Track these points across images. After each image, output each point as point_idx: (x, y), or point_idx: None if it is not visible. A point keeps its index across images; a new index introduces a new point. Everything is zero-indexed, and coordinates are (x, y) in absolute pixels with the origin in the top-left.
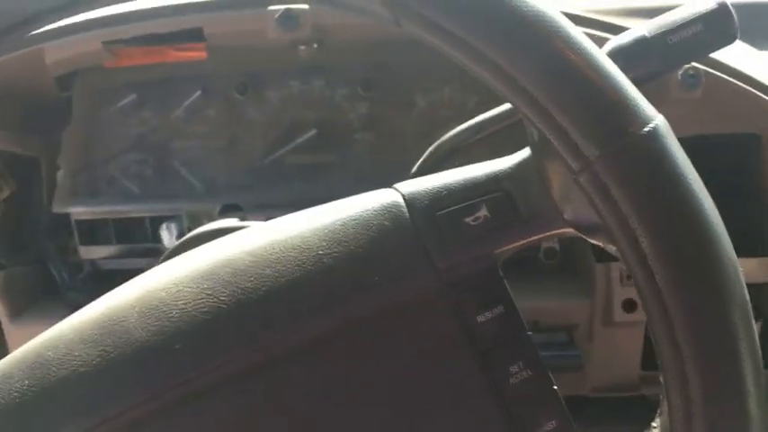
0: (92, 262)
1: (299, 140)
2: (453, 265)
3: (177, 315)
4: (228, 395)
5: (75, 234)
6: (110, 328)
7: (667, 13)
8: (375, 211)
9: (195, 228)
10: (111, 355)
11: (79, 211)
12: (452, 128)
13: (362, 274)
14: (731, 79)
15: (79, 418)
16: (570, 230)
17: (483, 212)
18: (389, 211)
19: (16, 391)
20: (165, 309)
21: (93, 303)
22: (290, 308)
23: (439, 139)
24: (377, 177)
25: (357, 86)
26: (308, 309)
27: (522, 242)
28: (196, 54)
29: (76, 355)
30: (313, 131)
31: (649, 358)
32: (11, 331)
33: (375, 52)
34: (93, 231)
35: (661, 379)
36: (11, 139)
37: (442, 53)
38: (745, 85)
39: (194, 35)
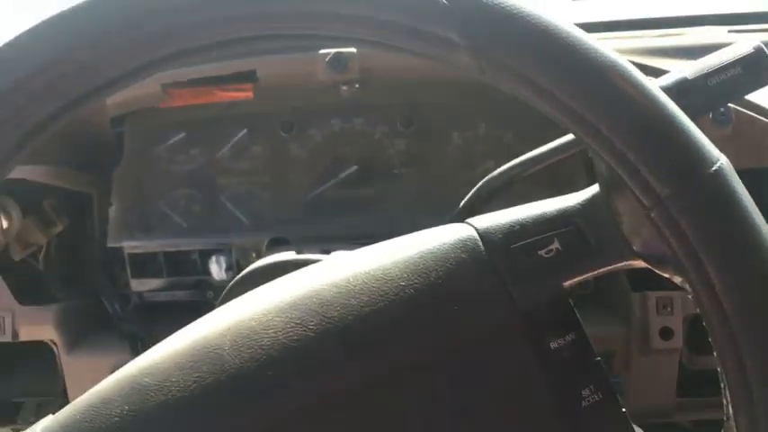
0: (139, 294)
1: (341, 176)
2: (527, 295)
3: (269, 343)
4: (317, 421)
5: (128, 267)
6: (204, 355)
7: (707, 57)
8: (452, 244)
9: (244, 261)
10: (207, 381)
11: (132, 246)
12: (488, 163)
13: (442, 304)
14: (759, 116)
15: None
16: (638, 262)
17: (555, 246)
18: (466, 245)
19: (116, 416)
20: (256, 337)
21: (182, 332)
22: (374, 337)
23: (475, 172)
24: (416, 211)
25: (396, 124)
26: (392, 338)
27: (591, 273)
28: (243, 94)
29: (173, 381)
30: (354, 167)
31: (684, 385)
32: (67, 363)
33: (413, 91)
34: (143, 265)
35: (724, 401)
36: (65, 175)
37: (521, 98)
38: (763, 118)
39: (245, 77)
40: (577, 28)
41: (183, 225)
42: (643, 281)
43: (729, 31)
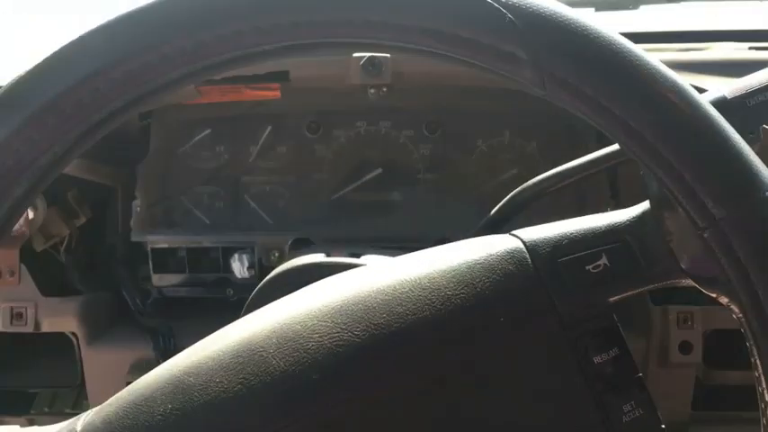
0: (159, 289)
1: (366, 178)
2: (573, 310)
3: (314, 347)
4: (361, 426)
5: (150, 262)
6: (249, 357)
7: (746, 77)
8: (499, 255)
9: (266, 260)
10: (252, 382)
11: (156, 240)
12: (512, 171)
13: (489, 315)
14: None
15: None
16: (685, 281)
17: (603, 261)
18: (513, 257)
19: (160, 415)
20: (301, 341)
21: (224, 332)
22: (420, 345)
23: (498, 180)
24: (438, 216)
25: (422, 128)
26: (438, 347)
27: (638, 290)
28: (270, 93)
29: (218, 381)
30: (379, 170)
31: (698, 399)
32: (87, 355)
33: (439, 97)
34: (165, 260)
35: (763, 420)
36: (89, 168)
37: (582, 116)
38: None
39: (277, 77)
40: (638, 47)
41: (206, 222)
42: (663, 295)
43: (750, 48)
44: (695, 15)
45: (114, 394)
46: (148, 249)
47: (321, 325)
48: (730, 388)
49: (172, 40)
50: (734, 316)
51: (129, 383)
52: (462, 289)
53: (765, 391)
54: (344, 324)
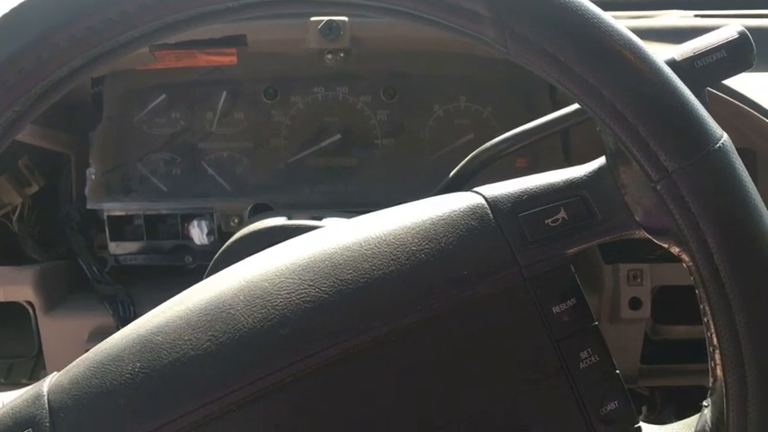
0: (115, 257)
1: (324, 144)
2: (533, 262)
3: (282, 303)
4: (331, 380)
5: (107, 230)
6: (217, 314)
7: (694, 40)
8: (462, 211)
9: (225, 226)
10: (221, 339)
11: (112, 208)
12: (468, 135)
13: (453, 268)
14: (728, 98)
15: (192, 397)
16: (639, 232)
17: (561, 215)
18: (475, 212)
19: (128, 373)
20: (269, 298)
21: (192, 292)
22: (387, 299)
23: (455, 145)
24: (395, 181)
25: (380, 94)
26: (403, 300)
27: (595, 242)
28: (226, 59)
29: (186, 339)
30: (337, 136)
31: (646, 353)
32: (44, 324)
33: (397, 62)
34: (122, 227)
35: (711, 364)
36: (42, 135)
37: (541, 74)
38: (740, 104)
39: (234, 41)
40: (596, 7)
41: (163, 189)
42: (613, 253)
43: (696, 15)
44: None
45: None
46: (104, 217)
47: (289, 282)
48: (676, 342)
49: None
50: (684, 265)
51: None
52: (426, 244)
53: (713, 335)
54: (312, 280)
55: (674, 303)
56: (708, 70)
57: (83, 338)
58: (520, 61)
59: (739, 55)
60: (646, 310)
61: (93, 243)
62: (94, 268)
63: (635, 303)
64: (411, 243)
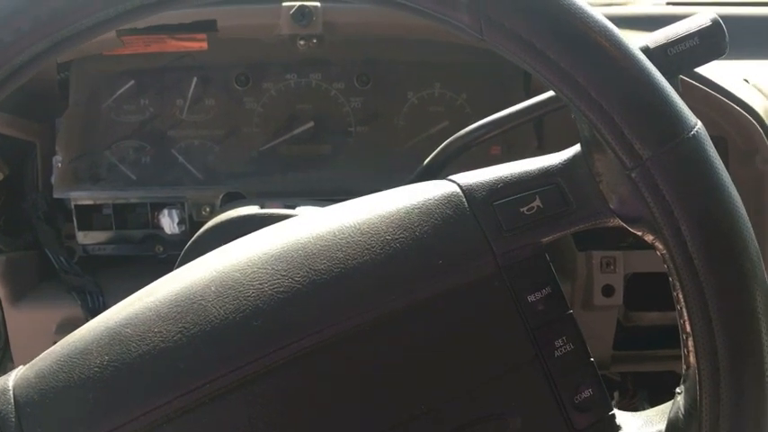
0: (84, 247)
1: (297, 131)
2: (509, 251)
3: (254, 294)
4: (305, 371)
5: (75, 219)
6: (188, 306)
7: (667, 28)
8: (436, 200)
9: (197, 215)
10: (192, 331)
11: (80, 197)
12: (442, 123)
13: (427, 258)
14: (700, 86)
15: (163, 390)
16: (613, 221)
17: (536, 203)
18: (450, 201)
19: (96, 367)
20: (241, 288)
21: (162, 282)
22: (361, 289)
23: (429, 132)
24: (369, 169)
25: (353, 81)
26: (378, 290)
27: (570, 230)
28: (196, 44)
29: (156, 331)
30: (310, 123)
31: (618, 339)
32: (11, 316)
33: (371, 49)
34: (90, 217)
35: (684, 351)
36: (6, 122)
37: (516, 61)
38: (712, 92)
39: (205, 26)
40: None
41: (133, 177)
42: (587, 241)
43: (668, 3)
44: None
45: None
46: (72, 206)
47: (261, 272)
48: (647, 328)
49: None
50: (657, 253)
51: (56, 343)
52: (401, 233)
53: (686, 323)
54: (285, 270)
55: (646, 290)
56: (681, 58)
57: (51, 330)
58: (495, 48)
59: (712, 42)
60: (618, 297)
61: (61, 233)
62: (62, 258)
63: (608, 290)
64: (385, 232)
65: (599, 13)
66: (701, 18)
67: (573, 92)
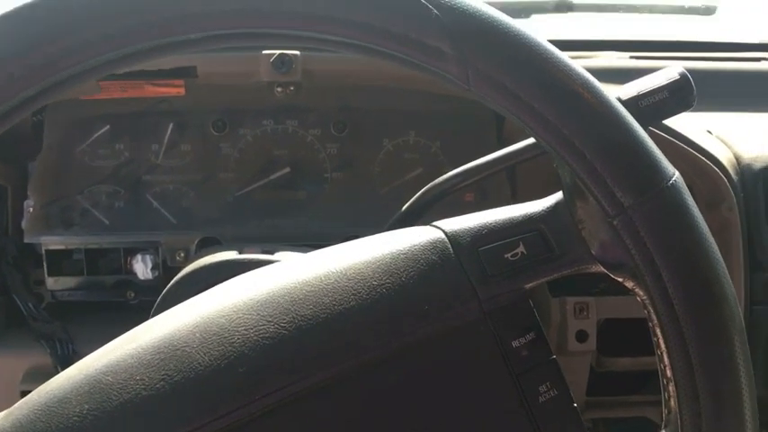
0: (53, 293)
1: (273, 177)
2: (493, 296)
3: (239, 340)
4: (290, 417)
5: (45, 264)
6: (171, 353)
7: (638, 81)
8: (422, 246)
9: (171, 260)
10: (175, 378)
11: (51, 241)
12: (417, 170)
13: (414, 303)
14: (667, 136)
15: None
16: (595, 267)
17: (521, 249)
18: (435, 247)
19: (75, 416)
20: (226, 335)
21: (143, 329)
22: (348, 335)
23: (404, 179)
24: (344, 215)
25: (330, 127)
26: (365, 335)
27: (552, 276)
28: (174, 90)
29: (138, 379)
30: (287, 169)
31: (593, 385)
32: None
33: (348, 97)
34: (60, 262)
35: (665, 395)
36: None
37: (501, 111)
38: (679, 142)
39: (184, 72)
40: (553, 47)
41: (105, 222)
42: (560, 287)
43: (631, 57)
44: (582, 26)
45: (7, 404)
46: (42, 251)
47: (246, 318)
48: (620, 374)
49: (96, 24)
50: (638, 299)
51: (23, 393)
52: (387, 278)
53: (667, 368)
54: (270, 316)
55: (618, 336)
56: (651, 110)
57: (17, 379)
58: (481, 98)
59: (681, 96)
60: (592, 343)
61: (30, 278)
62: (30, 305)
63: (581, 336)
64: (371, 278)
65: (580, 67)
66: (670, 72)
67: (557, 141)
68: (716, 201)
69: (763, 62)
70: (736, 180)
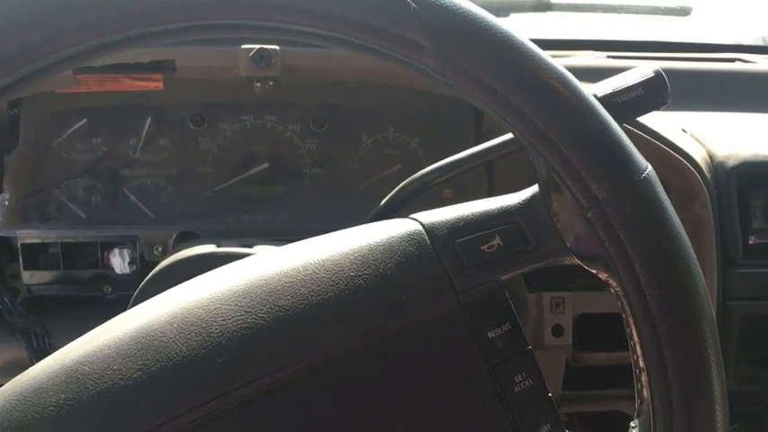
0: (29, 287)
1: (251, 172)
2: (470, 288)
3: (217, 331)
4: (267, 408)
5: (21, 258)
6: (148, 343)
7: (614, 78)
8: (400, 237)
9: (149, 255)
10: (152, 368)
11: (27, 235)
12: (396, 166)
13: (391, 294)
14: (642, 134)
15: (122, 429)
16: (570, 259)
17: (497, 241)
18: (413, 239)
19: (52, 406)
20: (204, 325)
21: (121, 319)
22: (325, 325)
23: (383, 175)
24: (323, 210)
25: (309, 123)
26: (341, 327)
27: (528, 268)
28: (152, 84)
29: (115, 369)
30: (265, 165)
31: (569, 380)
32: None
33: (327, 92)
34: (36, 256)
35: (638, 386)
36: None
37: (478, 104)
38: (653, 140)
39: (162, 66)
40: (531, 43)
41: (83, 216)
42: (537, 282)
43: (608, 57)
44: (560, 25)
45: None
46: (18, 245)
47: (224, 308)
48: (594, 369)
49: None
50: (611, 290)
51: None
52: (365, 270)
53: (640, 359)
54: (249, 307)
55: (593, 331)
56: (626, 107)
57: None
58: (458, 91)
59: (655, 93)
60: (568, 337)
61: (5, 272)
62: (5, 299)
63: (557, 330)
64: (349, 269)
65: (557, 62)
66: (644, 70)
67: (533, 135)
68: (689, 197)
69: (736, 63)
70: (709, 177)
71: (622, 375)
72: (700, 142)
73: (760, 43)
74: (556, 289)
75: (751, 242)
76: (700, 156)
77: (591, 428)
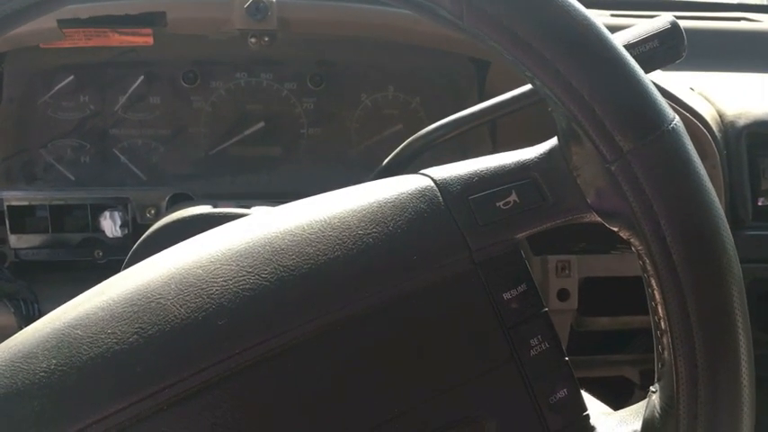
0: (16, 252)
1: (247, 132)
2: (484, 246)
3: (218, 292)
4: (273, 370)
5: (7, 221)
6: (145, 305)
7: (629, 29)
8: (410, 194)
9: (141, 217)
10: (149, 332)
11: (13, 197)
12: (396, 126)
13: (401, 253)
14: None
15: (117, 396)
16: (591, 216)
17: (513, 198)
18: (424, 195)
19: (42, 371)
20: (203, 286)
21: (116, 280)
22: (332, 286)
23: (383, 135)
24: (321, 171)
25: (306, 81)
26: (349, 287)
27: (546, 226)
28: (141, 39)
29: (109, 332)
30: (261, 124)
31: (571, 344)
32: None
33: (324, 49)
34: (24, 219)
35: (659, 348)
36: None
37: (497, 51)
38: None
39: (153, 18)
40: None
41: (71, 177)
42: (541, 245)
43: (612, 15)
44: None
45: None
46: (4, 207)
47: (225, 268)
48: (598, 333)
49: None
50: (633, 249)
51: None
52: (374, 228)
53: (662, 320)
54: (251, 267)
55: (597, 296)
56: (642, 60)
57: None
58: (474, 35)
59: (671, 45)
60: (573, 302)
61: None
62: None
63: (563, 294)
64: (357, 227)
65: (582, 6)
66: (660, 21)
67: (554, 82)
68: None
69: (742, 21)
70: (719, 137)
71: (627, 340)
72: (709, 101)
73: (765, 2)
74: (560, 252)
75: (760, 203)
76: (709, 115)
77: (595, 395)
